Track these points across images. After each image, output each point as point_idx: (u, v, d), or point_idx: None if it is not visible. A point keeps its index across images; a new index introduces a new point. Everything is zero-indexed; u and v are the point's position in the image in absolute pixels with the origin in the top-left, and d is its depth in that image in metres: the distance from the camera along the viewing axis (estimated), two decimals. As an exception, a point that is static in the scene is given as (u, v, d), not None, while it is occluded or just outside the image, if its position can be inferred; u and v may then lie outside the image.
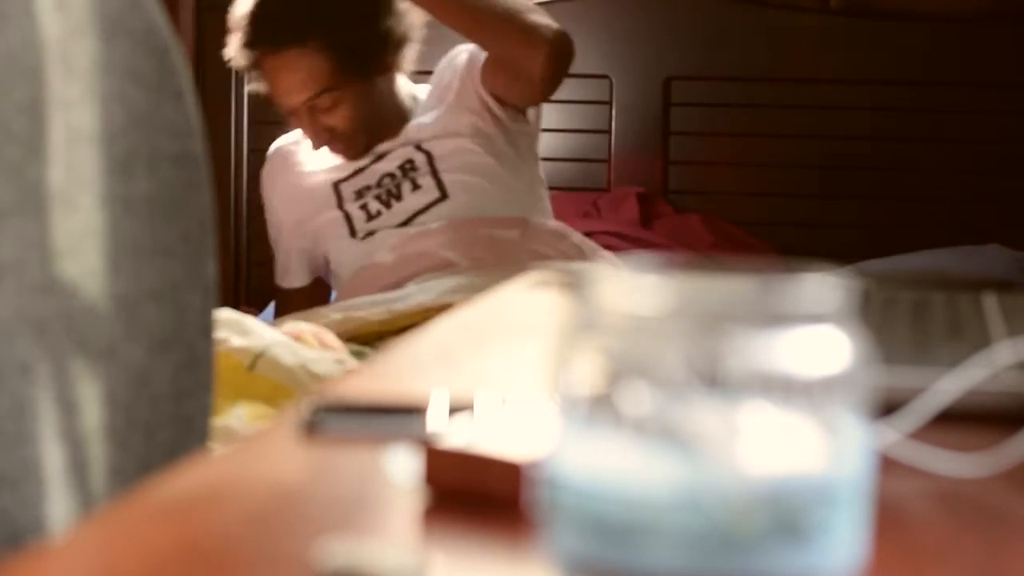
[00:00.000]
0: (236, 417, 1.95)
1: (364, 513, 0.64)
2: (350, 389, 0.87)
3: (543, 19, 2.55)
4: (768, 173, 3.41)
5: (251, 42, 2.59)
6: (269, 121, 3.17)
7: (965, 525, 0.64)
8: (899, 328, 0.99)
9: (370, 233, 2.59)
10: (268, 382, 2.02)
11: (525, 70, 2.54)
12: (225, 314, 2.11)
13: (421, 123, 2.66)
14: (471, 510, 0.63)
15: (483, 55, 2.62)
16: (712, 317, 0.51)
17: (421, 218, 2.58)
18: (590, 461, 0.51)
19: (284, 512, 0.64)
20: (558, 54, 2.54)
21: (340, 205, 2.64)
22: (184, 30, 3.47)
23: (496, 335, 1.07)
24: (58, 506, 0.89)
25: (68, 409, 0.90)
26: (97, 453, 0.93)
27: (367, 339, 2.35)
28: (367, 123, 2.62)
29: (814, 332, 0.51)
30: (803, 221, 3.40)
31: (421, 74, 2.75)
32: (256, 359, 2.02)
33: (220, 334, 2.04)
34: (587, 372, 0.52)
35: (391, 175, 2.63)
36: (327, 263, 2.68)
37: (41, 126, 0.90)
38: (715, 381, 0.50)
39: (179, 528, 0.61)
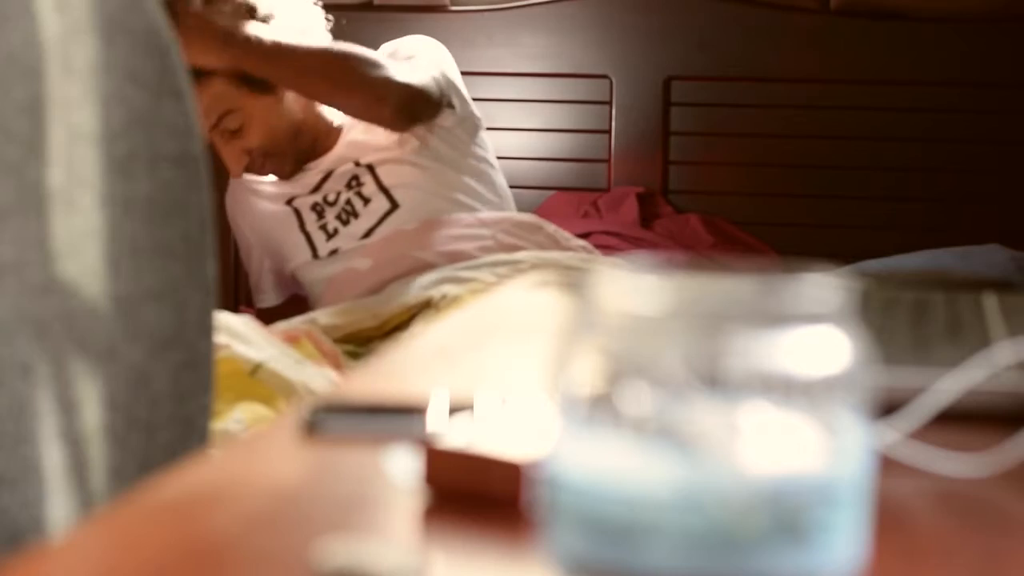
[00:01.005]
0: (235, 421, 1.95)
1: (364, 513, 0.64)
2: (350, 389, 0.87)
3: (382, 74, 2.52)
4: (768, 173, 3.41)
5: None
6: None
7: (965, 525, 0.64)
8: (899, 328, 0.99)
9: (333, 252, 2.61)
10: (268, 387, 2.02)
11: (376, 122, 2.58)
12: (225, 320, 2.11)
13: (356, 140, 2.68)
14: (471, 510, 0.63)
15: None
16: (712, 317, 0.51)
17: (379, 230, 2.60)
18: (590, 461, 0.51)
19: (284, 512, 0.64)
20: (405, 109, 2.56)
21: (302, 227, 2.66)
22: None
23: (496, 335, 1.07)
24: (58, 506, 0.89)
25: (68, 409, 0.90)
26: (97, 453, 0.93)
27: (358, 341, 2.36)
28: (286, 138, 2.64)
29: (814, 332, 0.51)
30: (803, 221, 3.40)
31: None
32: (257, 367, 2.03)
33: (221, 339, 2.05)
34: (587, 372, 0.52)
35: (339, 192, 2.66)
36: (297, 281, 2.71)
37: (41, 126, 0.90)
38: (715, 381, 0.50)
39: (179, 528, 0.61)
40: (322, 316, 2.39)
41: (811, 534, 0.51)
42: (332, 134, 2.70)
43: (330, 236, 2.64)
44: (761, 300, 0.51)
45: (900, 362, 0.84)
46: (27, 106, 0.89)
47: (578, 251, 2.64)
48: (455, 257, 2.53)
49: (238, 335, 2.09)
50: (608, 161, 3.46)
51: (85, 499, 0.92)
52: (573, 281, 1.34)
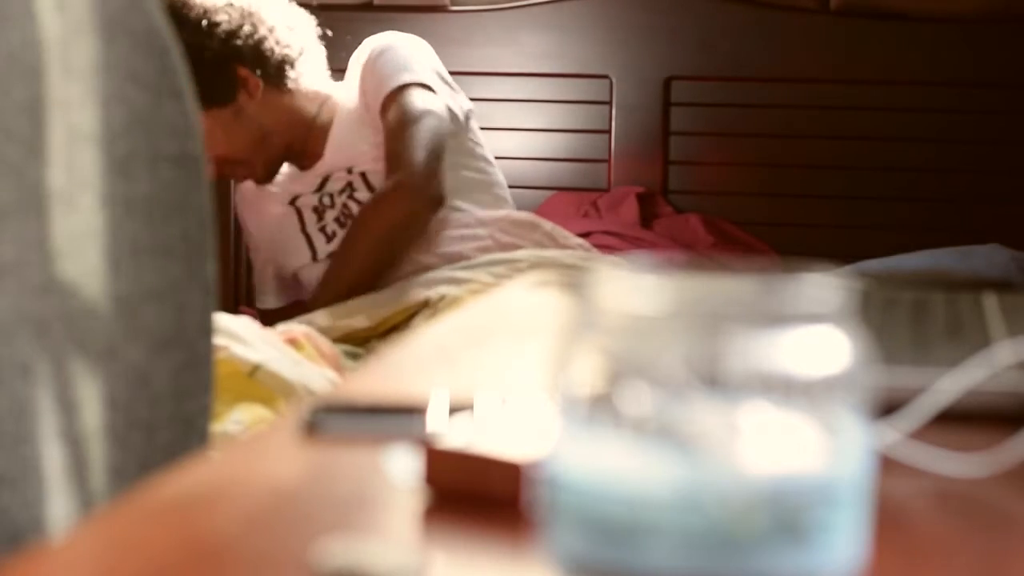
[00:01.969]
0: (234, 422, 1.96)
1: (364, 513, 0.64)
2: (350, 389, 0.87)
3: (419, 201, 2.55)
4: (768, 173, 3.41)
5: None
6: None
7: (965, 525, 0.64)
8: (899, 328, 0.99)
9: (332, 254, 2.62)
10: (267, 388, 2.03)
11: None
12: (224, 322, 2.12)
13: (342, 143, 2.68)
14: (471, 510, 0.63)
15: (383, 81, 2.65)
16: (712, 317, 0.51)
17: None
18: (590, 461, 0.51)
19: (284, 512, 0.64)
20: (440, 189, 2.57)
21: (303, 228, 2.67)
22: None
23: (496, 335, 1.07)
24: (58, 506, 0.89)
25: (68, 409, 0.90)
26: (97, 453, 0.93)
27: (356, 342, 2.37)
28: (250, 146, 2.65)
29: (814, 332, 0.51)
30: (803, 221, 3.40)
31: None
32: (256, 368, 2.03)
33: (220, 341, 2.05)
34: (587, 372, 0.52)
35: (334, 195, 2.66)
36: (299, 284, 2.72)
37: (41, 126, 0.90)
38: (715, 381, 0.50)
39: (179, 528, 0.61)
40: (320, 317, 2.40)
41: (811, 534, 0.51)
42: (317, 134, 2.70)
43: (329, 239, 2.65)
44: (761, 300, 0.51)
45: (900, 362, 0.84)
46: (27, 106, 0.89)
47: (576, 249, 2.64)
48: (453, 258, 2.53)
49: (236, 336, 2.09)
50: (608, 161, 3.46)
51: (85, 499, 0.92)
52: (573, 281, 1.34)
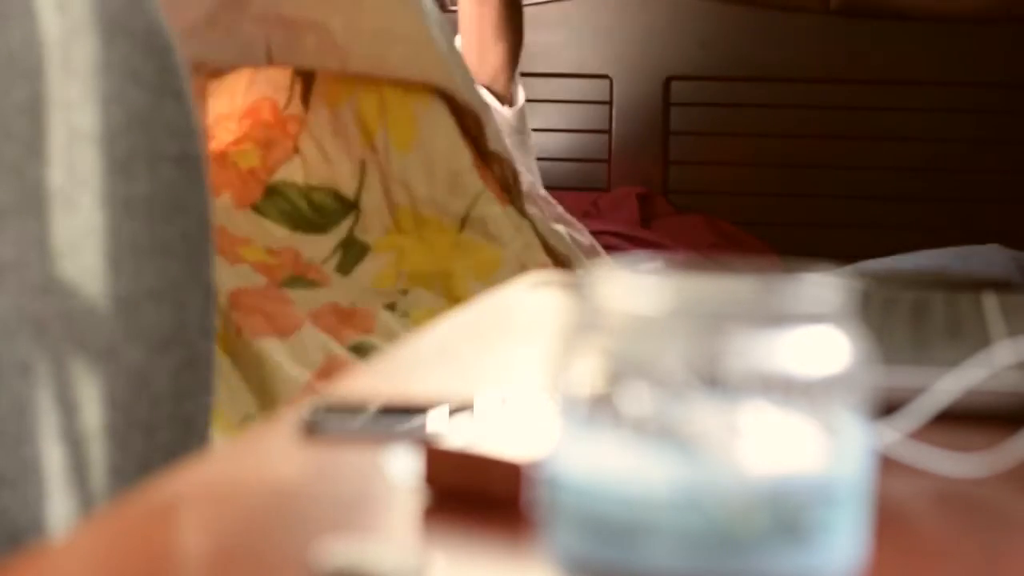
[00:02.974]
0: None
1: (364, 513, 0.64)
2: (350, 389, 0.87)
3: None
4: (768, 173, 3.41)
5: None
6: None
7: (965, 525, 0.64)
8: (899, 328, 0.99)
9: None
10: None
11: None
12: None
13: None
14: (471, 510, 0.63)
15: None
16: (712, 317, 0.51)
17: None
18: (590, 461, 0.51)
19: (284, 512, 0.64)
20: None
21: None
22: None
23: (496, 335, 1.07)
24: (58, 506, 0.89)
25: (68, 409, 0.90)
26: (97, 453, 0.93)
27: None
28: None
29: (814, 332, 0.51)
30: (803, 221, 3.40)
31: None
32: None
33: None
34: (587, 372, 0.52)
35: None
36: None
37: (41, 126, 0.90)
38: (715, 381, 0.50)
39: (179, 528, 0.61)
40: None
41: (811, 534, 0.51)
42: None
43: None
44: (761, 300, 0.51)
45: (900, 362, 0.84)
46: (27, 106, 0.89)
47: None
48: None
49: None
50: (608, 161, 3.46)
51: (85, 499, 0.92)
52: (573, 281, 1.34)
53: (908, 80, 3.35)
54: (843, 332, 0.52)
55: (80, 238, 0.92)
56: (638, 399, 0.50)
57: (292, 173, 2.37)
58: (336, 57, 2.36)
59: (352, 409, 0.78)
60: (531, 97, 3.44)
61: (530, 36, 3.44)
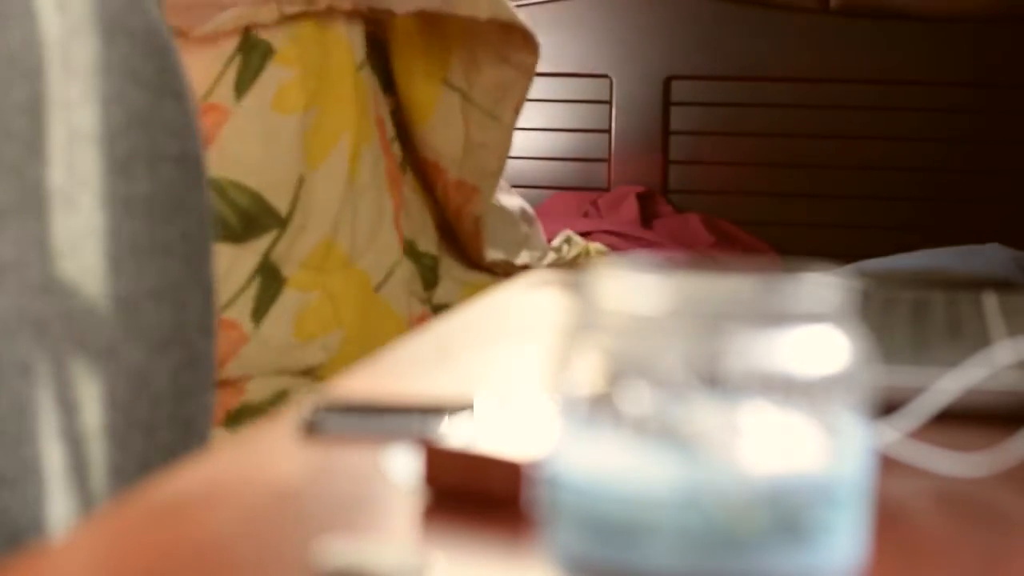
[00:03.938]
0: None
1: (364, 513, 0.64)
2: (350, 389, 0.87)
3: None
4: (768, 173, 3.41)
5: None
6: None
7: (965, 525, 0.64)
8: (899, 328, 0.99)
9: None
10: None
11: None
12: None
13: None
14: (471, 510, 0.63)
15: None
16: (712, 317, 0.51)
17: None
18: (590, 461, 0.51)
19: (284, 512, 0.64)
20: None
21: None
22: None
23: (496, 335, 1.07)
24: (58, 506, 0.89)
25: (68, 409, 0.90)
26: (97, 453, 0.93)
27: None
28: None
29: (814, 332, 0.51)
30: (803, 221, 3.40)
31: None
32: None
33: None
34: (587, 372, 0.52)
35: None
36: None
37: (41, 126, 0.90)
38: (715, 381, 0.50)
39: (179, 528, 0.61)
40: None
41: (811, 534, 0.51)
42: None
43: None
44: (761, 300, 0.51)
45: (900, 361, 0.84)
46: (27, 106, 0.89)
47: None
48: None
49: None
50: (608, 161, 3.46)
51: (85, 499, 0.92)
52: (573, 281, 1.34)
53: (908, 80, 3.35)
54: (843, 332, 0.52)
55: (80, 238, 0.92)
56: (638, 399, 0.50)
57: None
58: None
59: (352, 409, 0.78)
60: (531, 97, 3.44)
61: (530, 36, 3.44)
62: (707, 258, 3.10)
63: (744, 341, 0.50)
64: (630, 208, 3.34)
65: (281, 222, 2.08)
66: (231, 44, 2.09)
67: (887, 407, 0.74)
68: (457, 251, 2.32)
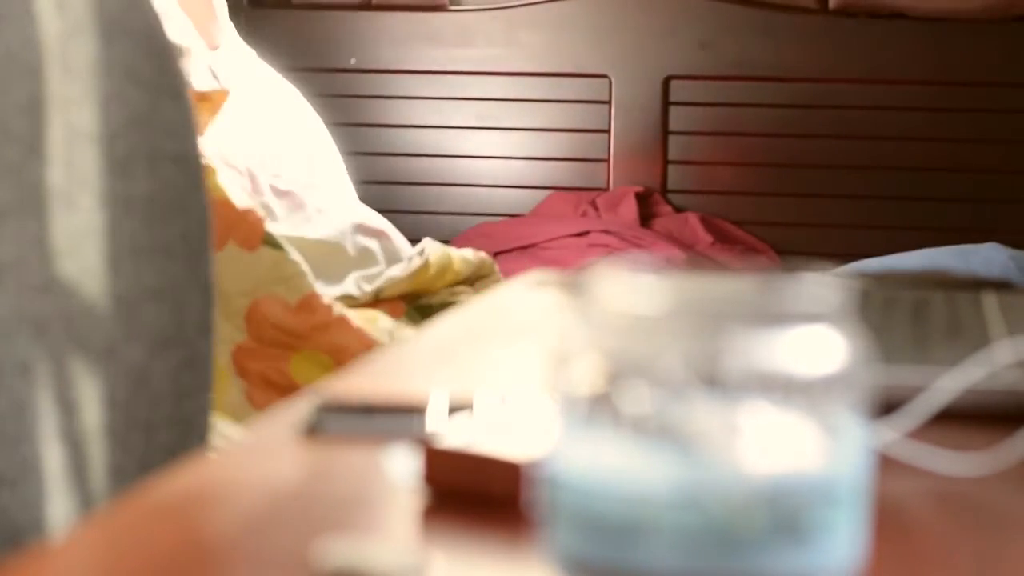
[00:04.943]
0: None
1: (364, 513, 0.64)
2: (350, 389, 0.87)
3: None
4: (768, 173, 3.41)
5: None
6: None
7: (965, 525, 0.64)
8: (899, 328, 0.99)
9: None
10: None
11: None
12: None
13: None
14: (471, 510, 0.63)
15: None
16: (711, 317, 0.51)
17: None
18: (590, 461, 0.51)
19: (284, 512, 0.64)
20: None
21: None
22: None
23: (496, 335, 1.07)
24: (58, 506, 0.89)
25: (68, 409, 0.90)
26: (97, 453, 0.93)
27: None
28: None
29: (813, 332, 0.51)
30: (803, 221, 3.40)
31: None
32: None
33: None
34: (587, 372, 0.52)
35: None
36: None
37: (41, 126, 0.90)
38: (715, 381, 0.50)
39: (179, 528, 0.61)
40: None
41: (810, 534, 0.51)
42: None
43: None
44: (761, 300, 0.51)
45: (899, 361, 0.84)
46: (27, 106, 0.89)
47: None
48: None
49: None
50: (607, 161, 3.46)
51: (85, 499, 0.92)
52: (573, 281, 1.34)
53: (907, 80, 3.35)
54: (843, 332, 0.52)
55: (80, 238, 0.92)
56: (638, 399, 0.50)
57: None
58: None
59: (352, 409, 0.78)
60: (530, 96, 3.45)
61: (529, 35, 3.44)
62: (706, 258, 3.10)
63: (744, 341, 0.50)
64: (629, 208, 3.34)
65: None
66: None
67: (886, 407, 0.74)
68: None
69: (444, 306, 2.41)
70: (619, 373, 0.51)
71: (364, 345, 2.22)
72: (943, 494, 0.68)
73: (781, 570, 0.50)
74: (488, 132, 3.41)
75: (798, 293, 0.51)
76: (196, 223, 1.00)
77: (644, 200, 3.39)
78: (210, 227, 1.02)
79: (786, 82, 3.39)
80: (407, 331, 2.30)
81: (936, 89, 3.35)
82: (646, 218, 3.36)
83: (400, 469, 0.69)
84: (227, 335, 2.22)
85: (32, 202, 0.89)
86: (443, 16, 3.45)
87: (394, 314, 2.39)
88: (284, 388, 2.21)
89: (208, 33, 2.69)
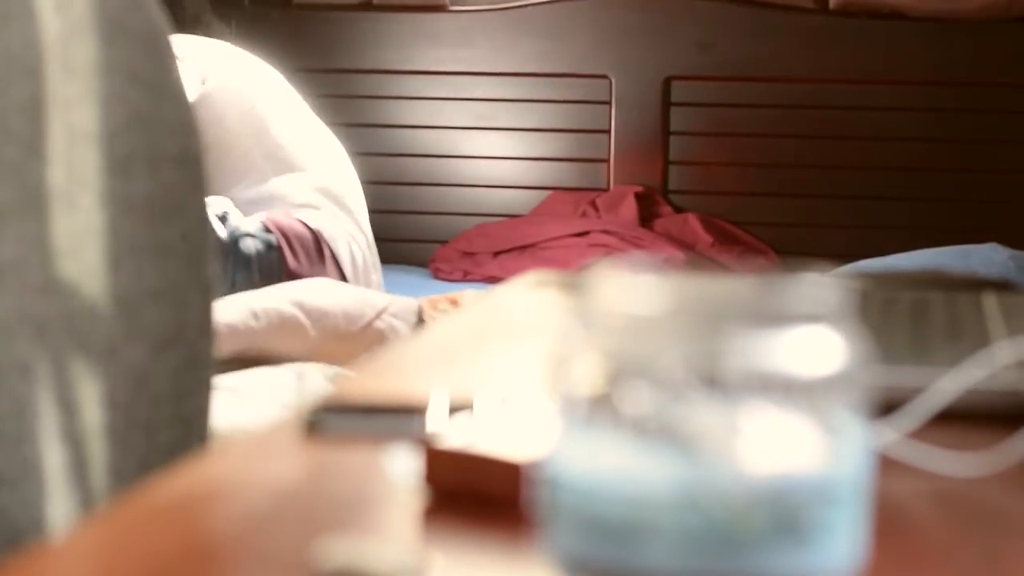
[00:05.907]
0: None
1: (364, 513, 0.64)
2: (350, 389, 0.87)
3: None
4: (768, 173, 3.41)
5: None
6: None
7: (965, 525, 0.64)
8: (899, 328, 0.99)
9: None
10: None
11: None
12: None
13: None
14: (471, 510, 0.63)
15: None
16: (712, 317, 0.51)
17: None
18: (590, 461, 0.51)
19: (284, 512, 0.64)
20: None
21: None
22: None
23: (496, 335, 1.07)
24: (58, 506, 0.89)
25: (68, 409, 0.90)
26: (97, 453, 0.93)
27: None
28: None
29: (813, 332, 0.51)
30: (803, 221, 3.41)
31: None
32: None
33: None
34: (587, 372, 0.52)
35: None
36: None
37: (41, 126, 0.90)
38: (715, 381, 0.50)
39: (179, 528, 0.61)
40: None
41: (810, 534, 0.51)
42: None
43: None
44: (761, 300, 0.51)
45: (899, 362, 0.84)
46: (27, 106, 0.89)
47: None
48: None
49: None
50: (608, 161, 3.46)
51: (85, 499, 0.92)
52: (572, 281, 1.34)
53: (908, 80, 3.35)
54: (842, 332, 0.52)
55: (80, 238, 0.92)
56: (637, 399, 0.50)
57: None
58: None
59: (353, 409, 0.78)
60: (531, 97, 3.45)
61: (530, 36, 3.44)
62: (706, 259, 3.10)
63: (743, 341, 0.50)
64: (629, 208, 3.34)
65: None
66: None
67: (886, 407, 0.74)
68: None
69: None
70: (619, 374, 0.51)
71: None
72: (943, 494, 0.68)
73: (781, 570, 0.50)
74: (488, 132, 3.42)
75: (798, 294, 0.51)
76: (196, 223, 1.00)
77: (644, 200, 3.39)
78: (210, 227, 1.02)
79: (786, 82, 3.39)
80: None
81: (936, 89, 3.35)
82: (646, 218, 3.36)
83: (400, 469, 0.69)
84: None
85: (32, 202, 0.89)
86: (443, 16, 3.45)
87: None
88: None
89: None
